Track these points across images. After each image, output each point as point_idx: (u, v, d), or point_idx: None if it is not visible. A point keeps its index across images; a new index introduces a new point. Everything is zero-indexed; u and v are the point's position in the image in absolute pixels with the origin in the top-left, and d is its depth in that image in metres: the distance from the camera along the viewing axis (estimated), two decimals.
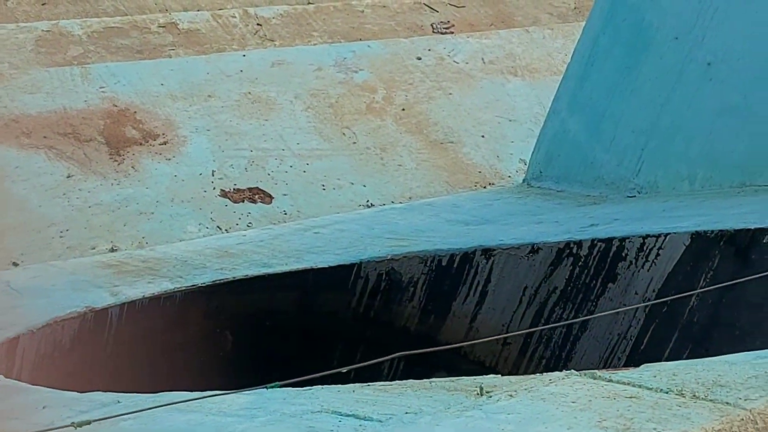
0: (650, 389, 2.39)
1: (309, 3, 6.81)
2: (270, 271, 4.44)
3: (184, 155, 5.47)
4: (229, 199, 5.31)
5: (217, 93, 5.84)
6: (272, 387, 2.23)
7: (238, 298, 4.36)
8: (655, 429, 2.19)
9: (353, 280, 4.61)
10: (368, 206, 5.54)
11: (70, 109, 5.52)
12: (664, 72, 5.45)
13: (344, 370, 2.34)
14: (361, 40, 6.51)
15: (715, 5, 5.34)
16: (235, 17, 6.44)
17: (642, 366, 2.54)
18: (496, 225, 5.02)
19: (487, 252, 4.62)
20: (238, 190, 5.36)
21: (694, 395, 2.34)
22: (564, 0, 7.48)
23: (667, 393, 2.36)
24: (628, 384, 2.43)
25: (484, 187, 5.88)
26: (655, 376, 2.46)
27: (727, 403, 2.29)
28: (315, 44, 6.40)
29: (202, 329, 4.27)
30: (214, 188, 5.35)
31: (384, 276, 4.64)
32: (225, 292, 4.32)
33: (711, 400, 2.31)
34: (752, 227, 4.25)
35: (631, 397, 2.36)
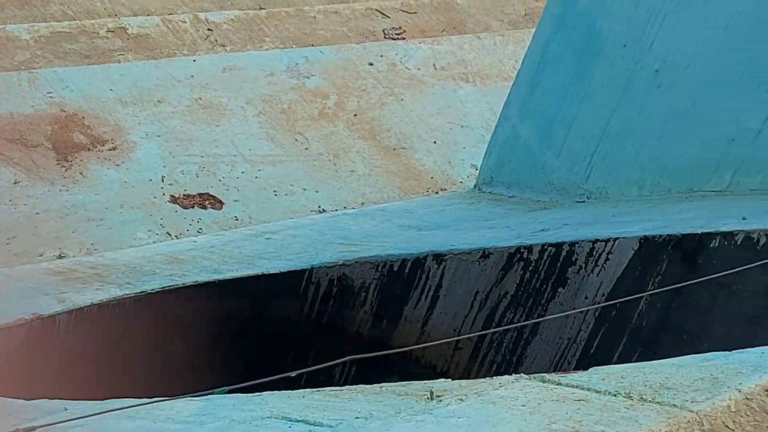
0: (599, 392, 2.41)
1: (260, 8, 6.79)
2: (220, 277, 4.42)
3: (133, 161, 5.43)
4: (179, 205, 5.27)
5: (167, 98, 5.80)
6: (220, 392, 2.22)
7: (188, 304, 4.33)
8: (603, 431, 2.21)
9: (305, 286, 4.60)
10: (320, 212, 5.53)
11: (17, 115, 5.45)
12: (614, 78, 5.50)
13: (293, 374, 2.33)
14: (313, 45, 6.50)
15: (663, 13, 5.40)
16: (185, 22, 6.40)
17: (591, 369, 2.56)
18: (447, 230, 5.03)
19: (439, 257, 4.63)
20: (189, 196, 5.32)
21: (642, 398, 2.36)
22: (515, 7, 7.52)
23: (615, 396, 2.38)
24: (577, 387, 2.44)
25: (436, 193, 5.90)
26: (603, 379, 2.47)
27: (674, 405, 2.31)
28: (267, 49, 6.37)
29: (151, 336, 4.24)
30: (164, 194, 5.31)
31: (336, 281, 4.63)
32: (174, 299, 4.29)
33: (658, 403, 2.33)
34: (699, 232, 4.29)
35: (579, 400, 2.37)
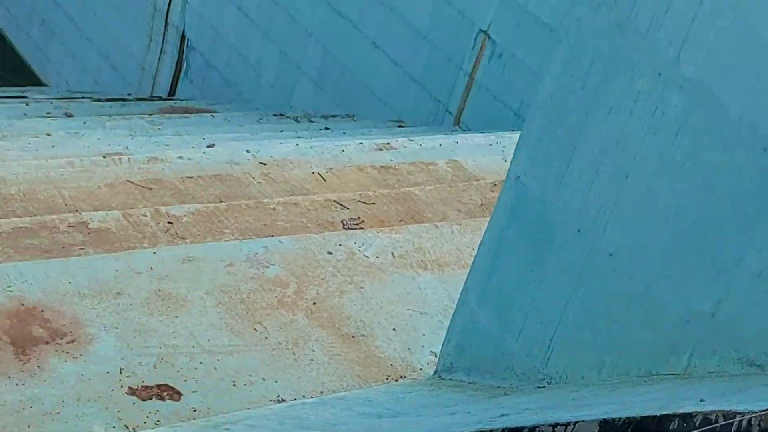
0: None
1: (220, 201, 6.92)
2: None
3: (91, 353, 5.40)
4: (137, 396, 5.22)
5: (126, 290, 5.83)
6: None
7: None
8: None
9: None
10: (279, 401, 5.49)
11: None
12: (570, 263, 5.59)
13: None
14: (272, 236, 6.60)
15: (614, 198, 5.55)
16: (146, 216, 6.50)
17: None
18: (408, 417, 4.99)
19: None
20: (147, 387, 5.28)
21: None
22: (471, 197, 7.71)
23: None
24: None
25: (396, 380, 5.88)
26: None
27: None
28: (226, 241, 6.46)
29: None
30: (121, 386, 5.27)
31: None
32: None
33: None
34: (658, 414, 4.29)
35: None
